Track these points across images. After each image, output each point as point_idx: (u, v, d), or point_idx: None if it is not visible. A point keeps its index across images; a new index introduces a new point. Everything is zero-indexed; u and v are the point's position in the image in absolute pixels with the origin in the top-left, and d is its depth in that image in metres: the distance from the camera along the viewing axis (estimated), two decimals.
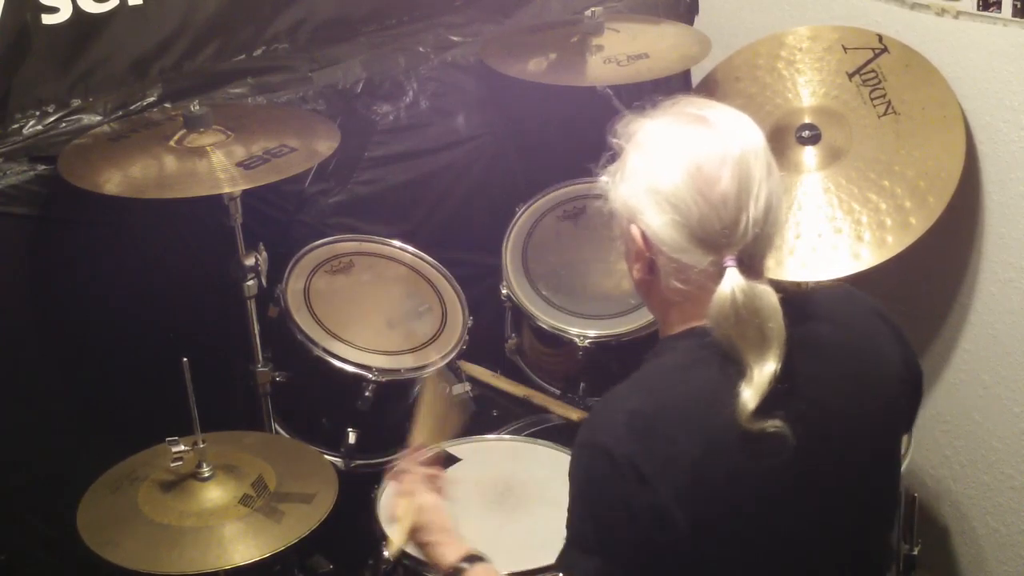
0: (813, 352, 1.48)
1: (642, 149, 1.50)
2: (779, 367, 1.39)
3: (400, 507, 1.79)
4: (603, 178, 1.54)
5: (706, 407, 1.41)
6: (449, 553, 1.70)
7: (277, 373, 2.38)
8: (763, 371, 1.39)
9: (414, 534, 1.75)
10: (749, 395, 1.38)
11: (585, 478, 1.44)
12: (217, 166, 2.17)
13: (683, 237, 1.44)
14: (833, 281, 1.68)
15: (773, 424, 1.39)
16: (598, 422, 1.48)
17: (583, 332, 2.54)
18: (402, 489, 1.80)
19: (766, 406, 1.39)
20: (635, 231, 1.48)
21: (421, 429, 1.89)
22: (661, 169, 1.45)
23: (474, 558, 1.68)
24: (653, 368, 1.51)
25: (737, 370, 1.41)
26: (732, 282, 1.40)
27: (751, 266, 1.44)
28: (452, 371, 2.54)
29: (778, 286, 1.46)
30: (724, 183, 1.42)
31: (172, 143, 2.24)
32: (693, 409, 1.42)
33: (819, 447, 1.45)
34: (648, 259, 1.49)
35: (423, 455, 1.84)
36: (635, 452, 1.38)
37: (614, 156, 1.55)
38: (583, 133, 2.82)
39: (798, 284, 1.55)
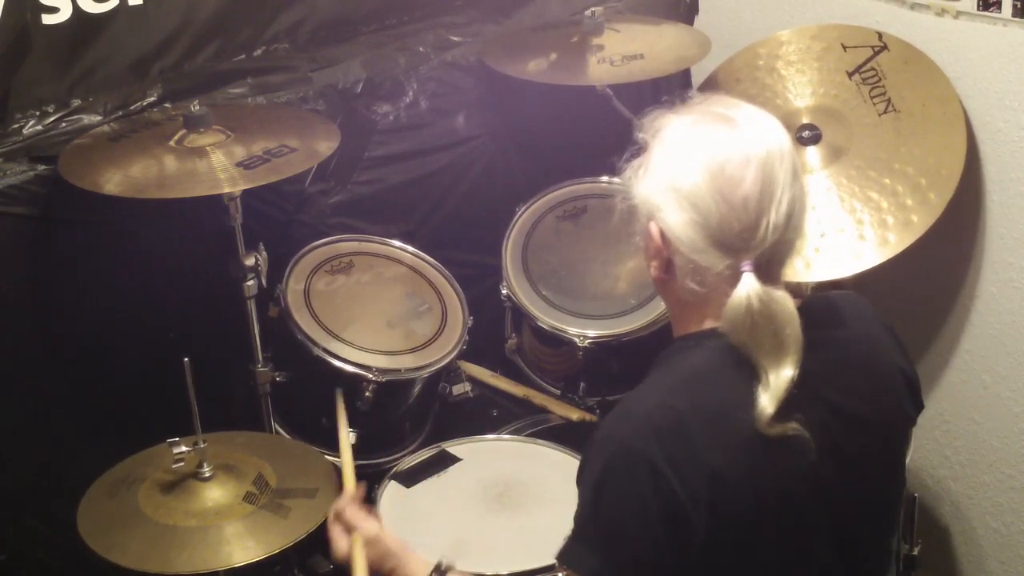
0: (831, 357, 1.48)
1: (666, 146, 1.49)
2: (796, 373, 1.38)
3: (348, 548, 1.81)
4: (625, 173, 1.53)
5: (726, 412, 1.40)
6: (417, 571, 1.71)
7: (277, 373, 2.38)
8: (780, 377, 1.38)
9: (375, 569, 1.75)
10: (767, 400, 1.37)
11: (602, 472, 1.42)
12: (217, 166, 2.17)
13: (701, 238, 1.43)
14: (837, 290, 1.67)
15: (792, 428, 1.38)
16: (620, 419, 1.46)
17: (583, 332, 2.54)
18: (342, 529, 1.84)
19: (784, 410, 1.38)
20: (654, 228, 1.47)
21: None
22: (683, 167, 1.44)
23: (442, 568, 1.69)
24: (673, 369, 1.49)
25: (754, 374, 1.39)
26: (748, 287, 1.39)
27: (768, 271, 1.43)
28: (452, 371, 2.55)
29: (796, 291, 1.45)
30: (746, 185, 1.41)
31: (172, 143, 2.24)
32: (714, 413, 1.40)
33: (836, 450, 1.44)
34: (665, 258, 1.48)
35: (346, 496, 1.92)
36: (656, 452, 1.37)
37: (638, 151, 1.53)
38: (583, 133, 2.85)
39: (799, 285, 1.53)
